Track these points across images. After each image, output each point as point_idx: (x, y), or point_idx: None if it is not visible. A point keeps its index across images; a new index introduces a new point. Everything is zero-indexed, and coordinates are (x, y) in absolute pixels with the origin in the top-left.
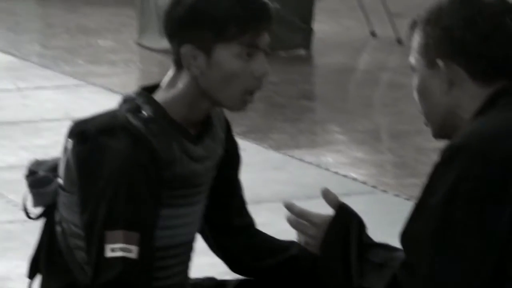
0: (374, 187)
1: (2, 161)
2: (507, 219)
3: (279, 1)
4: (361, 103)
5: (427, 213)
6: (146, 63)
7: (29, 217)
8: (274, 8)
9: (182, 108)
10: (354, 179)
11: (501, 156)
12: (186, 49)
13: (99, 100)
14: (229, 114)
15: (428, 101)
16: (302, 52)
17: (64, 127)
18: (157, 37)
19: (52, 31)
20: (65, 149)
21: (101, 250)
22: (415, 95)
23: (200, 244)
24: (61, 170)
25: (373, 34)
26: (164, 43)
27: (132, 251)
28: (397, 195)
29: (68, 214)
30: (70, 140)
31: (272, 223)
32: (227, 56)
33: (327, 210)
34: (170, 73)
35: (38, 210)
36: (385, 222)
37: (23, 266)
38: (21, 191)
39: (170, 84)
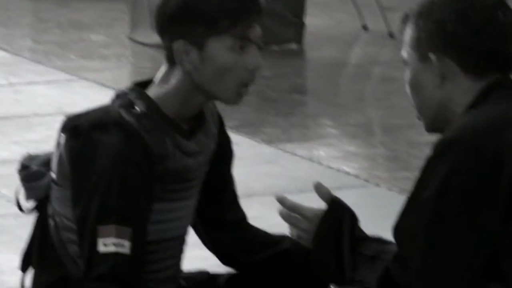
0: (366, 180)
1: None
2: (499, 213)
3: None
4: (353, 97)
5: (419, 207)
6: (138, 58)
7: (22, 211)
8: (263, 0)
9: (175, 103)
10: (347, 173)
11: (494, 150)
12: (178, 45)
13: (91, 95)
14: (221, 108)
15: (420, 95)
16: (294, 46)
17: (57, 122)
18: (149, 32)
19: (44, 26)
20: (58, 143)
21: (94, 244)
22: (407, 89)
23: (192, 237)
24: (54, 164)
25: (365, 28)
26: (156, 38)
27: (125, 246)
28: (389, 189)
29: (61, 208)
30: (63, 135)
31: (264, 216)
32: (219, 49)
33: (320, 204)
34: (163, 68)
35: (30, 204)
36: (378, 215)
37: (16, 260)
38: (14, 186)
39: (163, 80)
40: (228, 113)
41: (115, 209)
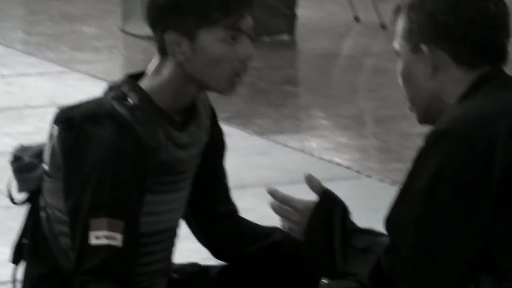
0: (358, 172)
1: None
2: (491, 205)
3: None
4: (345, 88)
5: (411, 198)
6: (130, 50)
7: (14, 203)
8: None
9: (168, 95)
10: (338, 164)
11: (485, 141)
12: (170, 36)
13: (83, 87)
14: (212, 100)
15: (413, 86)
16: (285, 37)
17: (49, 114)
18: (141, 23)
19: (36, 18)
20: (51, 135)
21: (85, 237)
22: (400, 80)
23: (183, 230)
24: (46, 156)
25: (356, 19)
26: (148, 30)
27: (117, 239)
28: (381, 180)
29: (53, 200)
30: (55, 127)
31: (256, 208)
32: (211, 40)
33: (311, 196)
34: (155, 60)
35: (22, 196)
36: (370, 207)
37: (7, 252)
38: (6, 177)
39: (155, 72)
40: (219, 104)
41: (107, 201)
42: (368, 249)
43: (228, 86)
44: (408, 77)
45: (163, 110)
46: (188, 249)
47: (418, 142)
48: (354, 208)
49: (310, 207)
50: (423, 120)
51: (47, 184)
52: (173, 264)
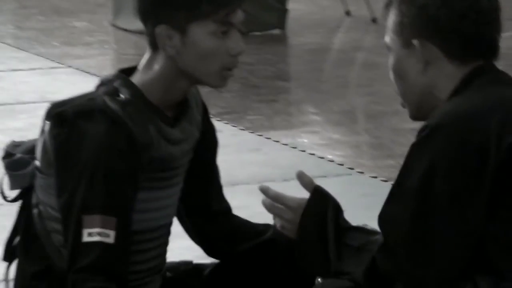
0: (351, 168)
1: None
2: (485, 201)
3: None
4: (337, 84)
5: (404, 195)
6: (121, 45)
7: (6, 200)
8: None
9: (159, 89)
10: (331, 161)
11: (478, 136)
12: (161, 30)
13: (74, 82)
14: (203, 95)
15: (404, 81)
16: (277, 32)
17: (40, 110)
18: (132, 18)
19: (27, 12)
20: (42, 131)
21: (78, 234)
22: (391, 75)
23: (176, 228)
24: (38, 152)
25: (348, 13)
26: (139, 24)
27: (109, 236)
28: (374, 177)
29: (45, 196)
30: (47, 122)
31: (248, 205)
32: (202, 34)
33: (304, 193)
34: (146, 55)
35: (15, 193)
36: (363, 204)
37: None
38: None
39: (146, 66)
40: (210, 100)
41: (100, 198)
42: (362, 247)
43: (219, 80)
44: (399, 72)
45: (155, 105)
46: (181, 247)
47: (410, 138)
48: (347, 205)
49: (302, 205)
50: (415, 116)
51: (39, 181)
52: (166, 262)
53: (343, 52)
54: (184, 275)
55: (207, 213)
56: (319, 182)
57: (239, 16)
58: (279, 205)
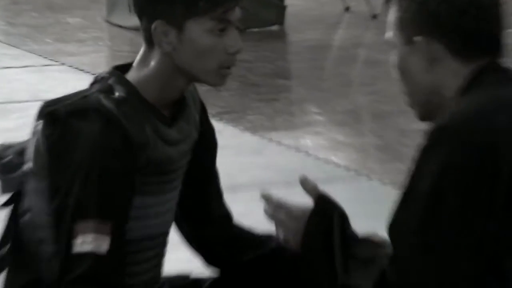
0: (356, 172)
1: None
2: (499, 209)
3: None
4: (339, 82)
5: (414, 202)
6: (115, 41)
7: None
8: None
9: (155, 87)
10: (335, 164)
11: (489, 138)
12: (157, 25)
13: (68, 80)
14: (201, 94)
15: (409, 80)
16: (275, 28)
17: (32, 109)
18: (126, 14)
19: (19, 8)
20: (34, 131)
21: (71, 242)
22: (395, 73)
23: (173, 237)
24: (30, 153)
25: (347, 9)
26: (134, 21)
27: (103, 244)
28: (381, 181)
29: (37, 201)
30: (39, 122)
31: (250, 212)
32: (198, 31)
33: (308, 198)
34: (142, 51)
35: (5, 198)
36: (370, 211)
37: None
38: None
39: (142, 63)
40: (208, 99)
41: (94, 200)
42: (371, 259)
43: (218, 79)
44: (403, 70)
45: (151, 104)
46: (179, 259)
47: (418, 139)
48: (353, 212)
49: (307, 214)
50: (422, 116)
51: (30, 184)
52: (162, 275)
53: (344, 49)
54: None
55: (205, 217)
56: (323, 186)
57: (237, 13)
58: (282, 214)
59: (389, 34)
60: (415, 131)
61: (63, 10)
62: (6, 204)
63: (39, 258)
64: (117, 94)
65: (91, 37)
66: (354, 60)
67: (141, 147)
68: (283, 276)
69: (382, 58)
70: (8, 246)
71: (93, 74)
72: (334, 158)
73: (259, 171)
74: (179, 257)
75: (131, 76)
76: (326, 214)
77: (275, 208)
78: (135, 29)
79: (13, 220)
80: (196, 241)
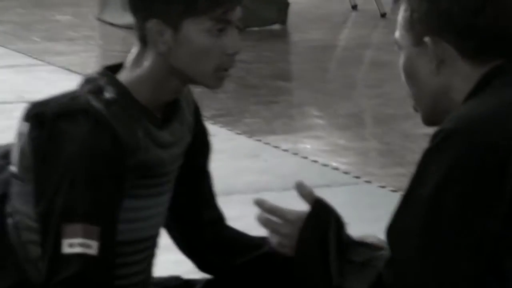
0: (357, 177)
1: None
2: (502, 212)
3: None
4: (343, 84)
5: (416, 206)
6: (107, 40)
7: None
8: None
9: (148, 89)
10: (336, 169)
11: (495, 142)
12: (152, 24)
13: (56, 81)
14: (196, 96)
15: (416, 82)
16: (277, 27)
17: (17, 110)
18: (119, 11)
19: (5, 4)
20: (20, 133)
21: (58, 245)
22: (402, 75)
23: (164, 240)
24: (15, 156)
25: (354, 7)
26: (127, 19)
27: (92, 247)
28: (382, 186)
29: (22, 205)
30: (25, 124)
31: (244, 216)
32: (196, 31)
33: (304, 203)
34: (135, 50)
35: None
36: (370, 216)
37: None
38: None
39: (135, 63)
40: (204, 101)
41: (81, 204)
42: (367, 263)
43: (215, 81)
44: (410, 72)
45: (143, 106)
46: (169, 261)
47: (423, 144)
48: (353, 217)
49: (302, 218)
50: (428, 120)
51: (15, 188)
52: (152, 277)
53: (350, 49)
54: None
55: (198, 222)
56: (323, 191)
57: (237, 13)
58: (276, 219)
59: (398, 34)
60: (419, 136)
61: (52, 6)
62: None
63: (26, 259)
64: (107, 95)
65: (82, 36)
66: (360, 62)
67: (132, 149)
68: (277, 279)
69: (390, 59)
70: None
71: (83, 74)
72: (334, 163)
73: (255, 176)
74: (169, 259)
75: (123, 76)
76: (322, 218)
77: (268, 213)
78: (128, 27)
79: None
80: (187, 246)
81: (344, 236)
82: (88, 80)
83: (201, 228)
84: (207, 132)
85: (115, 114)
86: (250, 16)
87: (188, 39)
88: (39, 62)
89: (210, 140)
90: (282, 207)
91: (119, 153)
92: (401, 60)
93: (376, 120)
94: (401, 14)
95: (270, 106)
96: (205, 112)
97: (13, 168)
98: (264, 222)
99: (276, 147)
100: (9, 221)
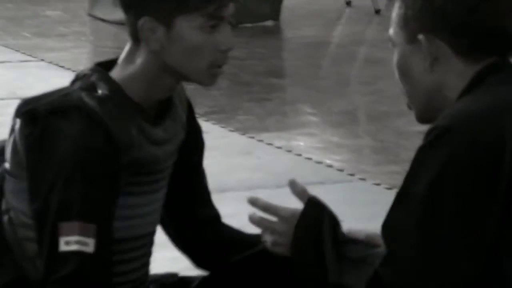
0: (351, 174)
1: None
2: (499, 208)
3: None
4: (336, 81)
5: (411, 203)
6: (98, 36)
7: None
8: None
9: (141, 86)
10: (329, 166)
11: (491, 139)
12: (144, 22)
13: (48, 77)
14: (189, 93)
15: (410, 80)
16: (270, 23)
17: (9, 107)
18: (110, 7)
19: None
20: (12, 130)
21: (54, 243)
22: (396, 73)
23: (160, 237)
24: (8, 153)
25: (348, 3)
26: (118, 14)
27: (89, 244)
28: (376, 184)
29: (16, 202)
30: (18, 121)
31: (238, 214)
32: (188, 28)
33: (297, 201)
34: (127, 47)
35: None
36: (364, 213)
37: None
38: None
39: (127, 60)
40: (197, 98)
41: (77, 202)
42: (363, 260)
43: (208, 78)
44: (404, 69)
45: (136, 103)
46: (165, 258)
47: (416, 142)
48: (348, 215)
49: (296, 215)
50: (422, 118)
51: (9, 185)
52: (149, 274)
53: (343, 46)
54: None
55: (193, 220)
56: (316, 189)
57: (230, 9)
58: (270, 217)
59: (392, 31)
60: (413, 133)
61: (42, 1)
62: None
63: (23, 256)
64: (100, 92)
65: (72, 32)
66: (354, 58)
67: (125, 146)
68: (273, 276)
69: (384, 56)
70: None
71: (74, 71)
72: (327, 160)
73: (249, 173)
74: (166, 256)
75: (115, 73)
76: (316, 215)
77: (262, 211)
78: (119, 23)
79: None
80: (183, 243)
81: (339, 234)
82: (80, 77)
83: (196, 225)
84: (201, 129)
85: (108, 111)
86: (243, 12)
87: (180, 36)
88: (30, 58)
89: (203, 137)
90: (276, 205)
91: (113, 151)
92: (395, 57)
93: (370, 118)
94: (395, 11)
95: (263, 103)
96: (198, 109)
97: (6, 165)
98: (257, 222)
99: (269, 144)
100: (5, 218)
